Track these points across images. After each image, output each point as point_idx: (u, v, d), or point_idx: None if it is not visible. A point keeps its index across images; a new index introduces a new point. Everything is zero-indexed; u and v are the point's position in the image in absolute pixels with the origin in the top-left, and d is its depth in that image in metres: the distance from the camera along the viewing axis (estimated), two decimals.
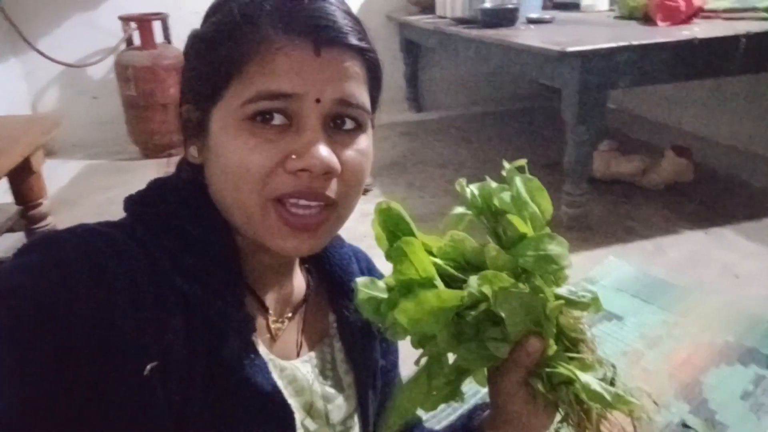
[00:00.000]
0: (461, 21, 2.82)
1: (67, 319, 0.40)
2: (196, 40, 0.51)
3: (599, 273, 1.85)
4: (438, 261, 0.50)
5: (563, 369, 0.49)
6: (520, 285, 0.47)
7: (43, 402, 0.39)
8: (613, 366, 0.51)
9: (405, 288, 0.48)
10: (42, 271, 0.42)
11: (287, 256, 0.55)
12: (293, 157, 0.46)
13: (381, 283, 0.51)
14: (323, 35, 0.47)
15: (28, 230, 1.94)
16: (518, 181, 0.51)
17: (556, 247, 0.49)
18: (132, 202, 0.52)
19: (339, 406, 0.60)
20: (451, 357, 0.51)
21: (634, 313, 1.63)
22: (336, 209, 0.51)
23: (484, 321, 0.49)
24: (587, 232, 2.13)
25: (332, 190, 0.49)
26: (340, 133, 0.50)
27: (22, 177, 1.85)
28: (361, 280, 0.51)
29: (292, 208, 0.48)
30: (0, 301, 0.40)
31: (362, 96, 0.50)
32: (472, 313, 0.48)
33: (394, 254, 0.48)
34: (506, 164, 0.53)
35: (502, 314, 0.47)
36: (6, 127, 1.80)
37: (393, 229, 0.51)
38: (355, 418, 0.62)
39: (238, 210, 0.49)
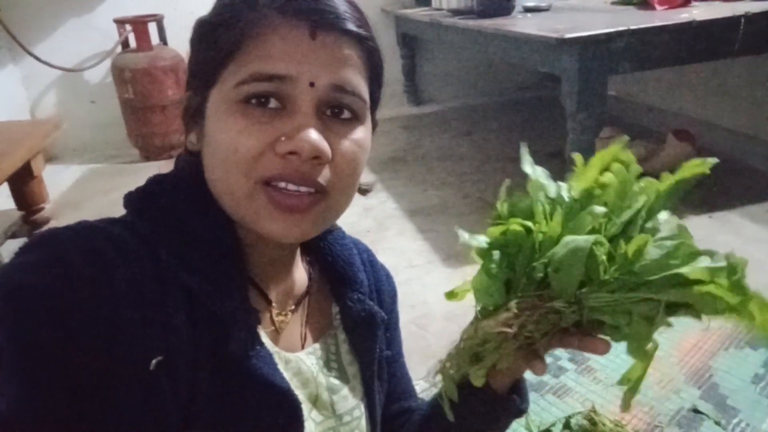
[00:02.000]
0: (457, 12, 2.80)
1: (69, 316, 0.40)
2: (198, 25, 0.52)
3: None
4: None
5: None
6: None
7: (48, 400, 0.39)
8: None
9: None
10: (43, 268, 0.42)
11: (283, 243, 0.54)
12: (282, 139, 0.46)
13: None
14: (320, 18, 0.47)
15: (31, 235, 1.94)
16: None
17: None
18: (131, 199, 0.52)
19: (344, 396, 0.61)
20: None
21: None
22: (327, 198, 0.50)
23: None
24: None
25: (324, 177, 0.48)
26: (336, 122, 0.49)
27: (23, 182, 1.85)
28: None
29: (280, 190, 0.47)
30: (2, 300, 0.39)
31: (359, 84, 0.50)
32: None
33: None
34: None
35: None
36: (6, 133, 1.80)
37: None
38: (362, 408, 0.62)
39: (227, 193, 0.49)
